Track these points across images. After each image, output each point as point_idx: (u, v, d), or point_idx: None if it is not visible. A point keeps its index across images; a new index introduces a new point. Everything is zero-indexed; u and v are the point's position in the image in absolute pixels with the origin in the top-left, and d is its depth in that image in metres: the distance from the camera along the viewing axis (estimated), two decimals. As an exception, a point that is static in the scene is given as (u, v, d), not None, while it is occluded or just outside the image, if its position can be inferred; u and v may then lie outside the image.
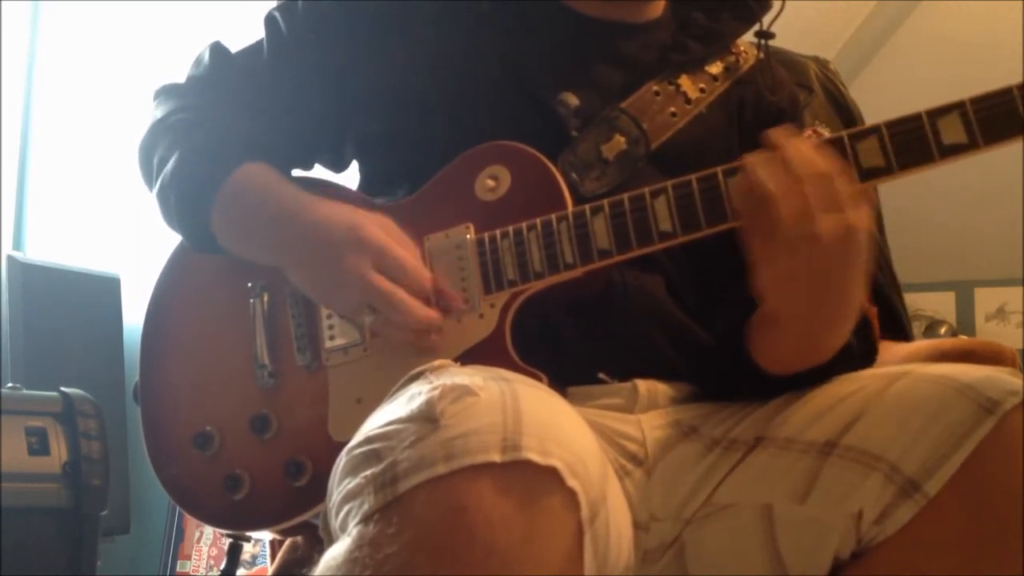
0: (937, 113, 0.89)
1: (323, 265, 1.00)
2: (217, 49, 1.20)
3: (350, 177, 1.21)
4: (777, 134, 0.91)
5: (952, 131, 0.89)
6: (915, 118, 0.90)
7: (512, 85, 1.09)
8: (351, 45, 1.13)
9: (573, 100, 1.08)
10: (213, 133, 1.10)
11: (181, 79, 1.21)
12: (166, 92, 1.19)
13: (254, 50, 1.18)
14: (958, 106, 0.89)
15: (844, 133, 0.92)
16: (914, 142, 0.89)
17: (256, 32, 1.19)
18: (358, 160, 1.20)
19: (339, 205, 1.03)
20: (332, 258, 0.99)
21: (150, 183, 1.15)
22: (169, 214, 1.12)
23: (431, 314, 0.99)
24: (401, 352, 1.01)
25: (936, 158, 0.89)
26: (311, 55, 1.15)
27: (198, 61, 1.20)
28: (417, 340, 0.99)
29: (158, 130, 1.15)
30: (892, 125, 0.90)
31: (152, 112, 1.17)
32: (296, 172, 1.19)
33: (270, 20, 1.18)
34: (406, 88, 1.11)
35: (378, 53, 1.12)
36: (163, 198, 1.11)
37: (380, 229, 1.00)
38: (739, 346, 1.03)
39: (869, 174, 0.91)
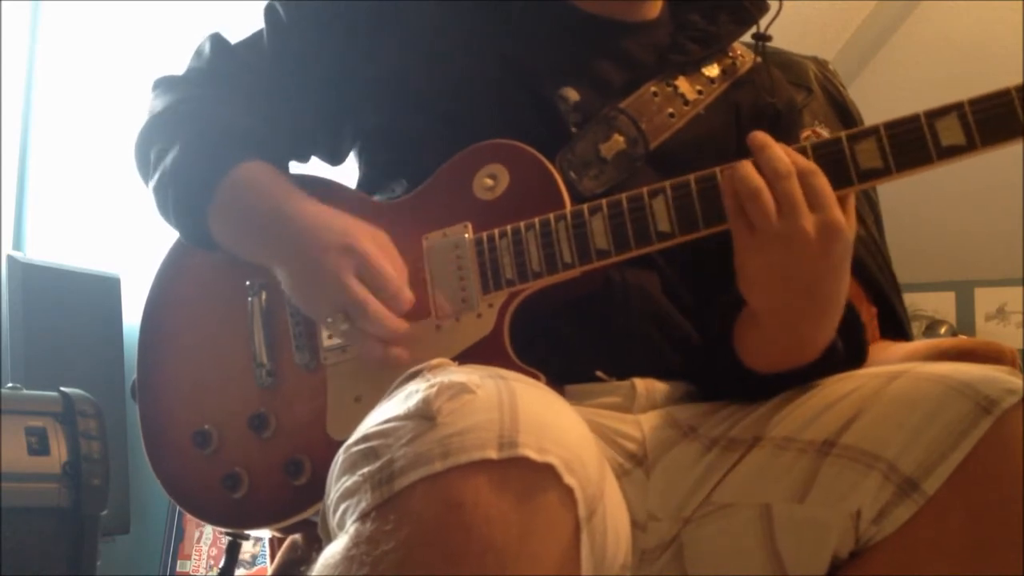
0: (935, 114, 0.89)
1: (306, 264, 1.01)
2: (217, 40, 1.20)
3: (349, 176, 1.21)
4: (762, 135, 0.92)
5: (950, 132, 0.89)
6: (913, 119, 0.90)
7: (512, 81, 1.09)
8: (350, 40, 1.13)
9: (573, 95, 1.08)
10: (211, 128, 1.10)
11: (181, 70, 1.21)
12: (165, 84, 1.19)
13: (254, 41, 1.18)
14: (956, 107, 0.88)
15: (842, 134, 0.92)
16: (912, 143, 0.89)
17: (256, 27, 1.19)
18: (357, 156, 1.20)
19: (338, 212, 1.03)
20: (316, 259, 0.99)
21: (147, 177, 1.15)
22: (166, 209, 1.12)
23: (401, 325, 0.99)
24: None
25: (934, 159, 0.89)
26: (309, 50, 1.14)
27: (198, 52, 1.20)
28: (384, 352, 0.99)
29: (156, 123, 1.14)
30: (890, 126, 0.90)
31: (151, 104, 1.17)
32: (294, 165, 1.19)
33: (270, 10, 1.18)
34: (405, 86, 1.11)
35: (377, 48, 1.12)
36: (160, 193, 1.11)
37: (372, 241, 1.00)
38: (731, 346, 1.03)
39: (867, 175, 0.91)
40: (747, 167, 0.90)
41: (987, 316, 3.69)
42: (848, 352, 1.01)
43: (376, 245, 1.00)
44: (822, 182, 0.89)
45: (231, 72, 1.17)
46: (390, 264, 1.00)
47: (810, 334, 0.97)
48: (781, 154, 0.90)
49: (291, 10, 1.16)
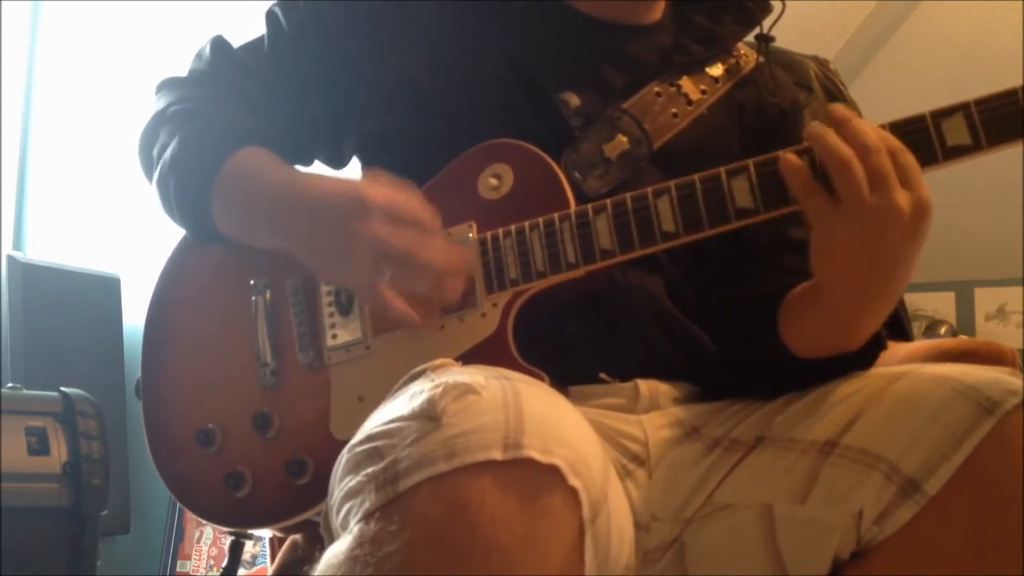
0: (941, 114, 0.89)
1: (332, 236, 0.98)
2: (219, 43, 1.20)
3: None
4: (842, 108, 0.90)
5: (956, 132, 0.88)
6: (919, 119, 0.90)
7: (515, 84, 1.09)
8: (350, 44, 1.13)
9: (574, 100, 1.08)
10: (212, 122, 1.10)
11: (183, 72, 1.21)
12: (168, 85, 1.19)
13: (255, 45, 1.18)
14: (962, 107, 0.88)
15: None
16: (918, 143, 0.89)
17: (257, 30, 1.19)
18: (359, 159, 1.20)
19: (335, 178, 1.02)
20: (340, 228, 0.97)
21: (149, 173, 1.15)
22: (168, 202, 1.12)
23: (452, 253, 0.98)
24: (403, 350, 1.01)
25: (940, 159, 0.89)
26: (310, 53, 1.15)
27: (199, 55, 1.20)
28: (441, 287, 0.97)
29: (158, 121, 1.15)
30: (896, 126, 0.90)
31: (154, 105, 1.18)
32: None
33: (271, 15, 1.18)
34: (406, 87, 1.11)
35: (378, 52, 1.12)
36: (162, 186, 1.11)
37: (379, 186, 0.98)
38: (745, 342, 1.03)
39: None
40: (833, 136, 0.88)
41: (987, 316, 3.70)
42: (859, 354, 1.00)
43: (385, 189, 0.98)
44: (911, 160, 0.88)
45: (232, 75, 1.17)
46: (404, 196, 0.98)
47: (870, 314, 0.95)
48: (868, 128, 0.88)
49: (292, 14, 1.16)
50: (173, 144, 1.09)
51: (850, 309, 0.95)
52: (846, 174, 0.87)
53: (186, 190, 1.08)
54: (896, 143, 0.88)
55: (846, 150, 0.87)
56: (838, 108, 0.90)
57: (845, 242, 0.89)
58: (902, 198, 0.86)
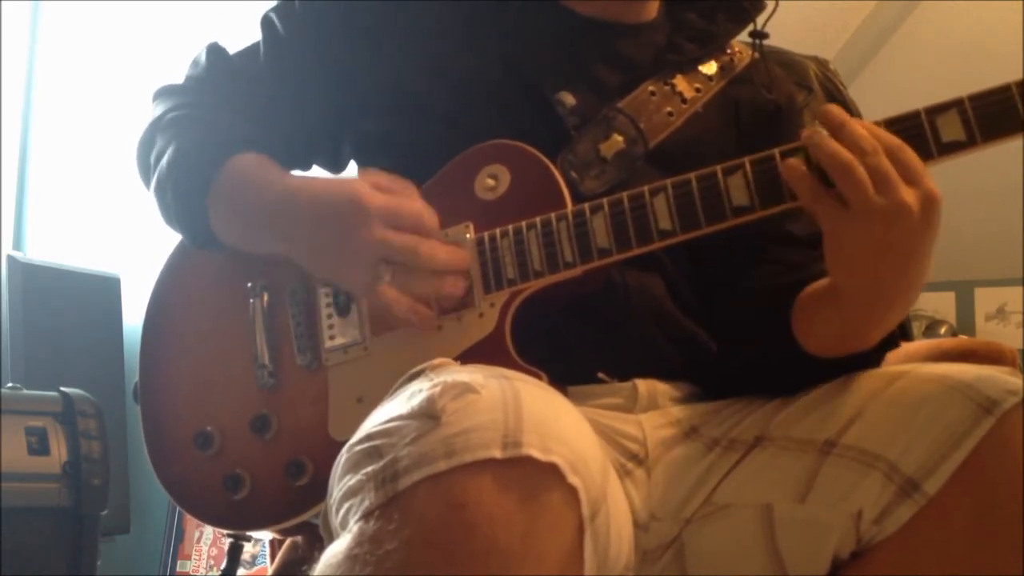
0: (935, 111, 0.89)
1: (332, 240, 0.99)
2: (215, 50, 1.20)
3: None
4: (838, 110, 0.89)
5: (950, 128, 0.89)
6: (913, 116, 0.90)
7: (511, 84, 1.09)
8: (348, 45, 1.13)
9: (570, 99, 1.08)
10: (209, 128, 1.11)
11: (179, 80, 1.21)
12: (164, 92, 1.20)
13: (251, 52, 1.19)
14: (956, 103, 0.89)
15: None
16: (913, 140, 0.89)
17: (255, 32, 1.19)
18: (356, 161, 1.20)
19: (332, 180, 1.03)
20: (340, 232, 0.98)
21: (147, 180, 1.15)
22: (167, 210, 1.12)
23: (454, 252, 0.98)
24: (401, 351, 1.01)
25: (935, 155, 0.89)
26: (308, 56, 1.15)
27: (195, 62, 1.20)
28: (443, 286, 0.98)
29: (155, 128, 1.15)
30: (890, 123, 0.90)
31: (151, 112, 1.18)
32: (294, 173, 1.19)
33: (266, 22, 1.18)
34: (405, 88, 1.11)
35: (376, 53, 1.12)
36: (160, 194, 1.12)
37: (376, 189, 0.99)
38: (749, 340, 1.02)
39: None
40: (831, 142, 0.88)
41: (987, 316, 3.70)
42: (871, 353, 0.99)
43: (380, 189, 0.99)
44: (911, 155, 0.87)
45: (228, 81, 1.17)
46: (401, 195, 0.99)
47: (887, 314, 0.94)
48: (863, 131, 0.88)
49: (288, 17, 1.16)
50: (169, 151, 1.10)
51: (867, 310, 0.94)
52: (850, 178, 0.86)
53: (183, 198, 1.09)
54: (894, 141, 0.88)
55: (846, 155, 0.86)
56: (832, 111, 0.89)
57: (857, 244, 0.89)
58: (908, 195, 0.86)
